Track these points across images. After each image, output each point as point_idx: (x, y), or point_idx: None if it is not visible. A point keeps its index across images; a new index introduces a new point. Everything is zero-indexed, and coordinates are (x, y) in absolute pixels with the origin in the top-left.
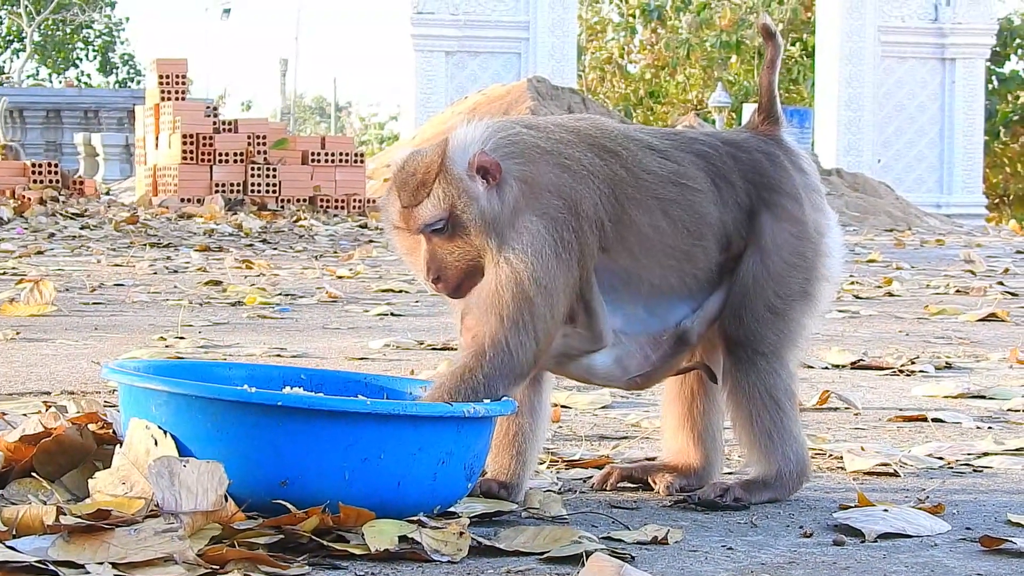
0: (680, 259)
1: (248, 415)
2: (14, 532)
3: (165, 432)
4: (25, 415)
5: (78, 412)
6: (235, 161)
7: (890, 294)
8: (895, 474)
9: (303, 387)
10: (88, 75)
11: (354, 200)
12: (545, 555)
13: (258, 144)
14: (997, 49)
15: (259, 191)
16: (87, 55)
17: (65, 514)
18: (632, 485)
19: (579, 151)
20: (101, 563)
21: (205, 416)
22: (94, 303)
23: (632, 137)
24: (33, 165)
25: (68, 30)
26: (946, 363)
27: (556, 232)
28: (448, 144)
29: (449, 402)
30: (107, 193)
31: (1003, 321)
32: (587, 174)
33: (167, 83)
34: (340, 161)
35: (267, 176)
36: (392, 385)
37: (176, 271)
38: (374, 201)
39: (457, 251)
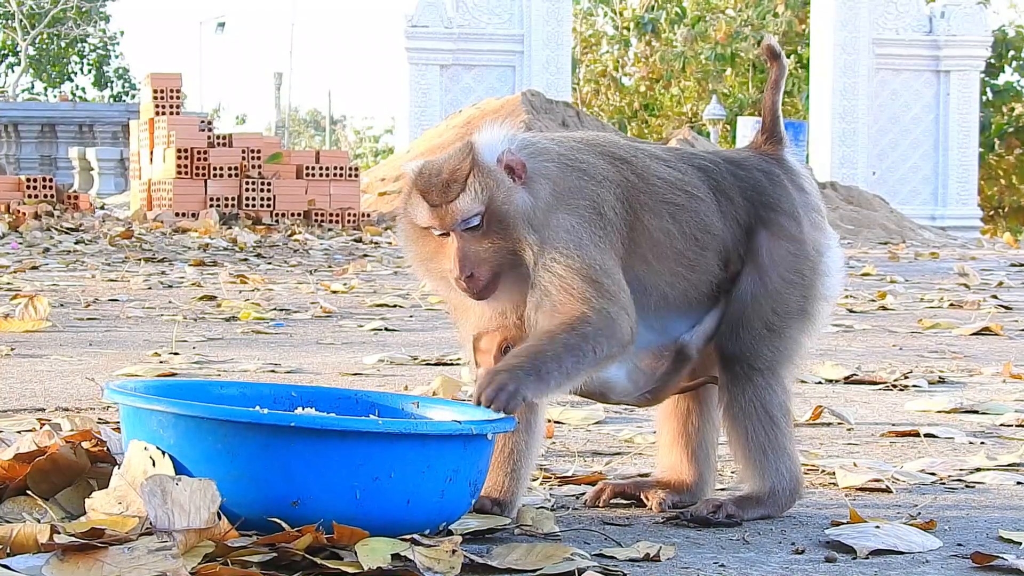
0: (687, 267)
1: (259, 436)
2: (8, 550)
3: (163, 452)
4: (19, 432)
5: (72, 430)
6: (230, 175)
7: (884, 308)
8: (887, 490)
9: (294, 404)
10: (83, 89)
11: (349, 214)
12: (538, 572)
13: (253, 158)
14: (992, 61)
15: (254, 205)
16: (82, 69)
17: (59, 532)
18: (625, 501)
19: (592, 157)
20: None
21: (215, 437)
22: (89, 319)
23: (639, 147)
24: (28, 180)
25: (63, 44)
26: (939, 378)
27: (590, 229)
28: (475, 142)
29: (548, 353)
30: (102, 207)
31: (997, 335)
32: (603, 178)
33: (161, 97)
34: (335, 175)
35: (262, 190)
36: (384, 401)
37: (171, 286)
38: (369, 215)
39: (490, 248)
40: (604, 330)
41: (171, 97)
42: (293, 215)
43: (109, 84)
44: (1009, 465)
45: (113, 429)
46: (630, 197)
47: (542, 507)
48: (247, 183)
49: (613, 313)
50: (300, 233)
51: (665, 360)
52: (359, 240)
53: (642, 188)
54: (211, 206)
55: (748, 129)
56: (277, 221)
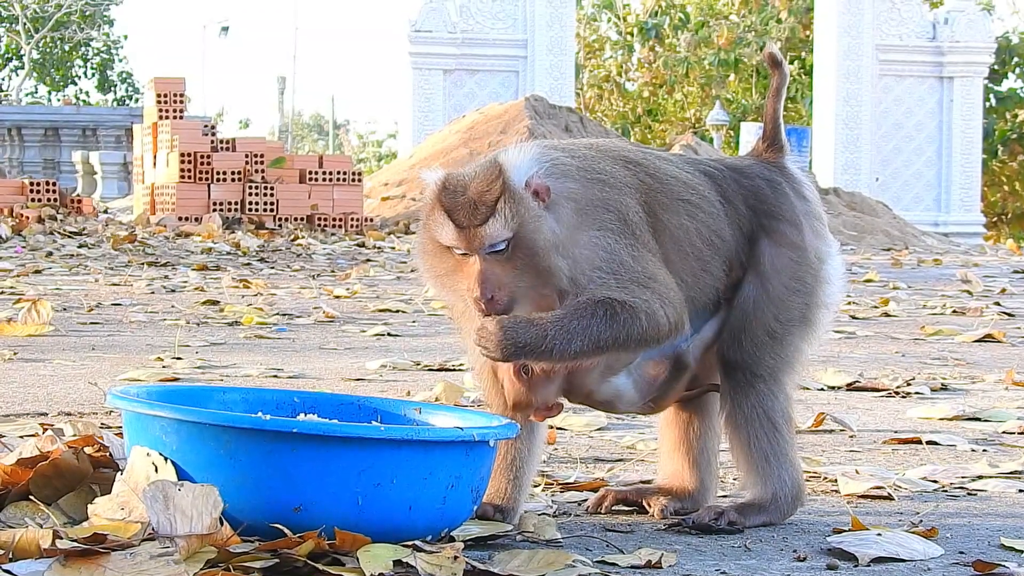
0: (701, 267)
1: (262, 442)
2: (11, 555)
3: (166, 458)
4: (22, 437)
5: (75, 435)
6: (233, 180)
7: (887, 314)
8: (889, 497)
9: (296, 410)
10: (86, 93)
11: (352, 219)
12: None
13: (256, 162)
14: (995, 67)
15: (257, 210)
16: (85, 73)
17: (62, 538)
18: (627, 508)
19: (608, 164)
20: None
21: (218, 443)
22: (92, 323)
23: (647, 151)
24: (31, 183)
25: (66, 48)
26: (942, 384)
27: (623, 240)
28: (505, 165)
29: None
30: (105, 211)
31: (999, 342)
32: (622, 185)
33: (165, 101)
34: (338, 180)
35: (265, 195)
36: (386, 407)
37: (174, 290)
38: (372, 220)
39: (513, 272)
40: (638, 314)
41: (174, 101)
42: (296, 220)
43: (112, 88)
44: (1011, 473)
45: (116, 434)
46: (648, 199)
47: (544, 513)
48: (250, 187)
49: (655, 304)
50: (303, 238)
51: (663, 368)
52: (362, 245)
53: (658, 188)
54: (214, 210)
55: (751, 135)
56: (280, 226)
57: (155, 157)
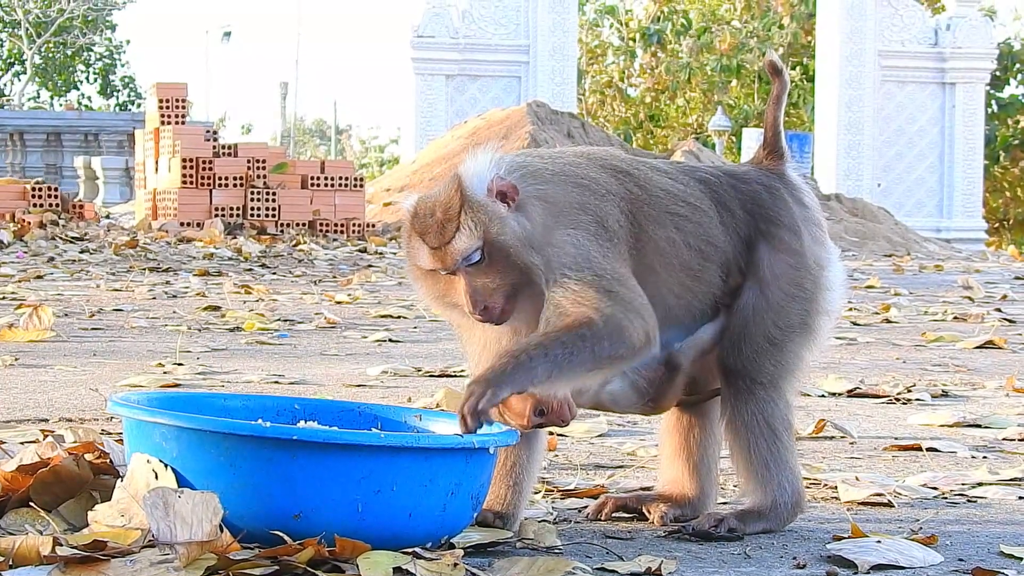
0: (691, 278)
1: (262, 449)
2: (11, 562)
3: (166, 465)
4: (23, 443)
5: (75, 441)
6: (235, 185)
7: (888, 320)
8: (889, 504)
9: (297, 417)
10: (89, 98)
11: (353, 224)
12: None
13: (258, 168)
14: (997, 73)
15: (258, 215)
16: (87, 78)
17: (61, 544)
18: (627, 515)
19: (593, 171)
20: None
21: (218, 450)
22: (93, 328)
23: (640, 160)
24: (33, 188)
25: (69, 53)
26: (942, 391)
27: (597, 242)
28: (462, 175)
29: (550, 352)
30: (107, 217)
31: (1000, 348)
32: (605, 192)
33: (167, 107)
34: (339, 185)
35: (266, 200)
36: (386, 414)
37: (175, 296)
38: (373, 225)
39: (498, 277)
40: (608, 333)
41: (177, 106)
42: (298, 225)
43: (115, 93)
44: (1011, 480)
45: (116, 441)
46: (634, 209)
47: (544, 520)
48: (252, 193)
49: (620, 317)
50: (305, 243)
51: (657, 371)
52: (364, 250)
53: (645, 200)
54: (216, 216)
55: (753, 140)
56: (282, 231)
57: (157, 162)
